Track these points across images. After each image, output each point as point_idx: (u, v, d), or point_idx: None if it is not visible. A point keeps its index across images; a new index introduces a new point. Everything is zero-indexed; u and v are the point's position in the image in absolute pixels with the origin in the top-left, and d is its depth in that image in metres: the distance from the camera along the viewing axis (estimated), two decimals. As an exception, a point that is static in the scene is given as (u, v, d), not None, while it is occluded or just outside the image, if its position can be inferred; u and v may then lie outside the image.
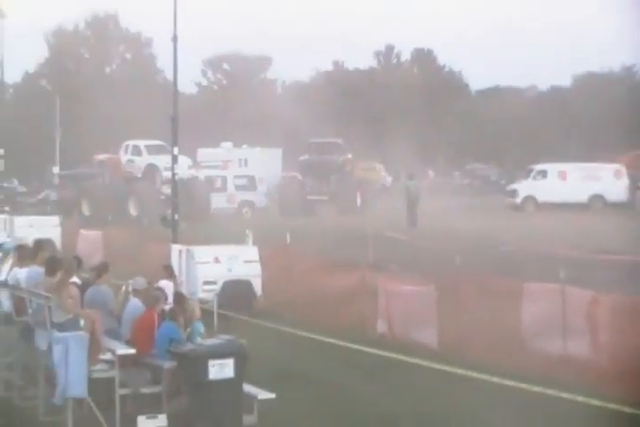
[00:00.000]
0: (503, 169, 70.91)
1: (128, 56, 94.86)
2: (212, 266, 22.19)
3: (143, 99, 72.95)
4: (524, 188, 49.81)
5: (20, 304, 14.15)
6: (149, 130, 53.07)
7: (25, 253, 15.21)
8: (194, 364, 11.56)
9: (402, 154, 67.44)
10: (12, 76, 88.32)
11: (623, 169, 49.90)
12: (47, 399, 12.99)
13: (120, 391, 12.45)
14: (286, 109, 72.36)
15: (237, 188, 52.43)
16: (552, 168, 50.46)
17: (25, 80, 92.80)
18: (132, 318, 13.66)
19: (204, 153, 58.21)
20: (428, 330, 17.54)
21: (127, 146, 49.47)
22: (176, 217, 29.42)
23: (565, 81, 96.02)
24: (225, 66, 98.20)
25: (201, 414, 11.50)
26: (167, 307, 13.69)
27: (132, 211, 46.07)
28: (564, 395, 13.66)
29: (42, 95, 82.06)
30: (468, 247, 25.56)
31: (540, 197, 48.59)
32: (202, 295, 21.01)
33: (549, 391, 13.88)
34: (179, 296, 14.21)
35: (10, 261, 15.93)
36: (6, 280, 15.18)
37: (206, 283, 21.88)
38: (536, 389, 14.06)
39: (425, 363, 16.19)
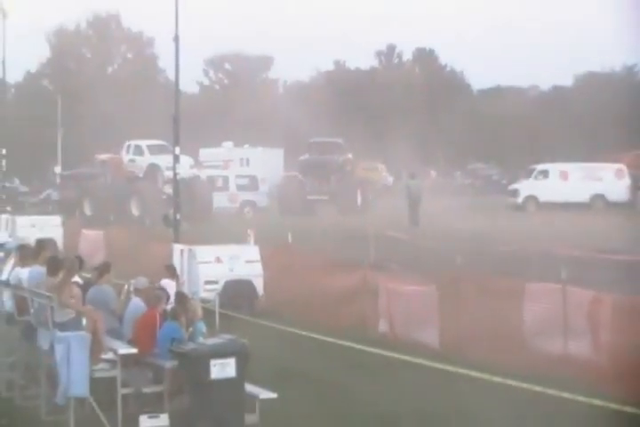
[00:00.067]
0: (504, 169, 70.91)
1: (130, 56, 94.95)
2: (213, 266, 22.21)
3: (145, 98, 73.08)
4: (526, 187, 49.82)
5: (21, 304, 14.17)
6: (151, 129, 53.13)
7: (27, 253, 15.24)
8: (195, 363, 11.57)
9: (403, 154, 67.41)
10: (14, 75, 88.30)
11: (624, 169, 49.91)
12: (49, 399, 13.02)
13: (122, 391, 12.46)
14: (287, 109, 72.41)
15: (239, 187, 52.48)
16: (553, 168, 50.50)
17: (27, 80, 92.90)
18: (134, 317, 13.67)
19: (205, 153, 58.33)
20: (429, 330, 17.55)
21: (129, 145, 49.48)
22: (178, 217, 29.44)
23: (567, 81, 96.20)
24: (226, 65, 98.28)
25: (202, 414, 11.51)
26: (169, 307, 13.72)
27: (134, 211, 46.08)
28: (565, 394, 13.66)
29: (44, 95, 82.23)
30: (469, 247, 25.55)
31: (542, 197, 48.60)
32: (203, 295, 21.01)
33: (550, 391, 13.88)
34: (180, 296, 14.21)
35: (12, 261, 15.97)
36: (8, 280, 15.22)
37: (208, 282, 21.89)
38: (537, 388, 14.06)
39: (426, 362, 16.19)
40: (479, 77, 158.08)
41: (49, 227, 33.42)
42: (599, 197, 48.56)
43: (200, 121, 70.95)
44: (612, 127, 62.78)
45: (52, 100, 72.57)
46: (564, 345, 15.37)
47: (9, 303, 14.87)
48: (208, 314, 17.65)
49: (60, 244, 24.19)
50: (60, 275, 13.13)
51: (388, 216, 40.91)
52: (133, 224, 40.74)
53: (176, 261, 22.10)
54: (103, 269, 14.64)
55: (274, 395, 12.18)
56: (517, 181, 52.81)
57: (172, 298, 14.33)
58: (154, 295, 13.79)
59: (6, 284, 15.16)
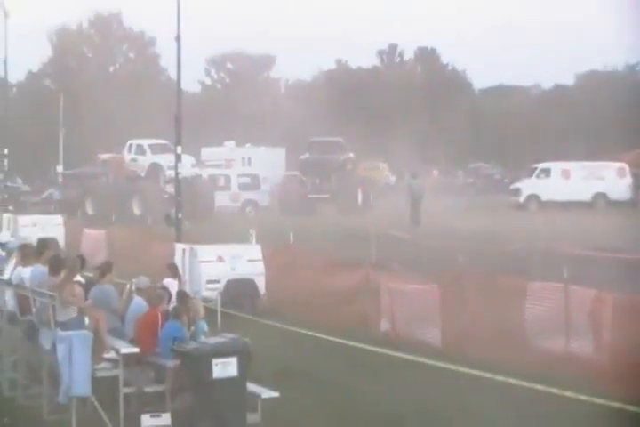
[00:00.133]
0: (506, 168, 70.88)
1: (131, 55, 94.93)
2: (215, 265, 22.21)
3: (146, 98, 73.09)
4: (528, 186, 49.86)
5: (24, 303, 14.18)
6: (153, 129, 53.09)
7: (29, 253, 15.26)
8: (197, 362, 11.58)
9: (404, 153, 67.42)
10: (16, 75, 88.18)
11: (626, 168, 49.95)
12: (51, 398, 13.03)
13: (124, 390, 12.46)
14: (289, 108, 72.43)
15: (241, 187, 52.52)
16: (555, 167, 50.51)
17: (29, 79, 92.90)
18: (136, 316, 13.67)
19: (207, 152, 58.38)
20: (431, 328, 17.56)
21: (131, 145, 49.52)
22: (180, 216, 29.44)
23: (568, 80, 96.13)
24: (228, 65, 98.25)
25: (204, 413, 11.52)
26: (171, 306, 13.72)
27: (136, 210, 46.10)
28: (567, 393, 13.67)
29: (45, 94, 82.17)
30: (470, 246, 25.52)
31: (544, 196, 48.65)
32: (205, 294, 21.03)
33: (552, 390, 13.89)
34: (182, 295, 14.21)
35: (14, 260, 15.99)
36: (10, 279, 15.23)
37: (210, 282, 21.90)
38: (539, 387, 14.07)
39: (428, 361, 16.21)
40: (481, 76, 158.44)
41: (51, 226, 33.45)
42: (601, 196, 48.60)
43: (202, 120, 70.97)
44: (613, 126, 62.71)
45: (53, 99, 72.42)
46: (565, 344, 15.38)
47: (11, 303, 14.88)
48: (210, 313, 17.64)
49: (61, 243, 24.28)
50: (62, 274, 13.14)
51: (390, 215, 40.89)
52: (135, 223, 40.72)
53: (178, 261, 22.12)
54: (105, 269, 14.64)
55: (276, 394, 12.17)
56: (519, 180, 52.86)
57: (174, 297, 14.34)
58: (156, 295, 13.80)
59: (8, 283, 15.17)
